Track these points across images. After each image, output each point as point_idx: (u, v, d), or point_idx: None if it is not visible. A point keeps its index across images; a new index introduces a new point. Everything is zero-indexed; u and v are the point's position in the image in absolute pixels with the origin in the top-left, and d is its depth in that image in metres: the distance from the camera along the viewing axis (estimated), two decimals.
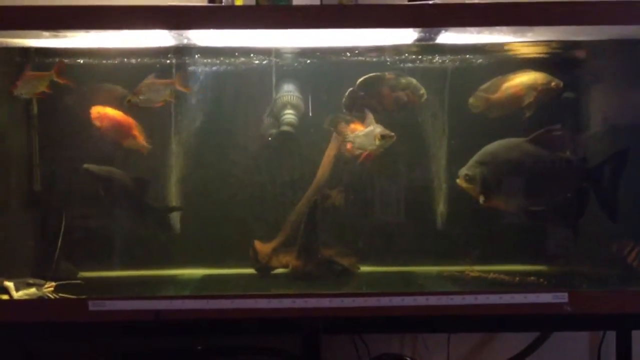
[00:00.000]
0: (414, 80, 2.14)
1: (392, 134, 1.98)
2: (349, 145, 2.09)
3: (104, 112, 2.10)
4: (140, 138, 2.13)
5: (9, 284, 1.77)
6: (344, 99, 2.13)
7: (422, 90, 2.14)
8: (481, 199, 1.98)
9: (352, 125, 2.09)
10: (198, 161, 2.23)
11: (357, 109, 2.13)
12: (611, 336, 2.25)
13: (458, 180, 2.02)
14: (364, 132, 2.03)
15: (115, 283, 2.15)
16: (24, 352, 2.18)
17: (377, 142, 1.97)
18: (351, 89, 2.12)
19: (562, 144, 2.02)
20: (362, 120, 2.08)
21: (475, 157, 2.00)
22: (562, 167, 2.01)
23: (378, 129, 1.99)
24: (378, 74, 2.12)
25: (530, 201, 2.02)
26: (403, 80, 2.14)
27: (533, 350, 2.31)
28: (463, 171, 2.01)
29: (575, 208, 2.01)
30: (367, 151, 2.03)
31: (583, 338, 2.40)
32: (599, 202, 1.98)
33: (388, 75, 2.13)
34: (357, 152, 2.06)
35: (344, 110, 2.14)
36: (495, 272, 2.08)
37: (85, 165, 2.08)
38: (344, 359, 2.30)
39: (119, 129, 2.12)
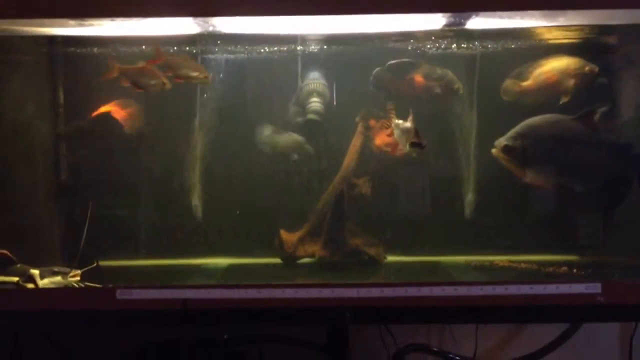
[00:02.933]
0: (449, 73, 2.10)
1: (424, 144, 1.85)
2: (379, 139, 2.06)
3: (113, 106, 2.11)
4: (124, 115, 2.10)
5: (35, 272, 1.78)
6: (371, 78, 2.11)
7: (457, 85, 2.10)
8: (528, 176, 1.90)
9: (383, 121, 2.03)
10: (223, 151, 2.22)
11: (386, 90, 2.10)
12: None
13: (494, 151, 1.94)
14: (403, 127, 1.91)
15: (141, 272, 2.15)
16: (52, 340, 2.19)
17: (407, 147, 1.88)
18: (378, 68, 2.10)
19: (608, 125, 1.94)
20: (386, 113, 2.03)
21: (517, 129, 1.92)
22: (607, 150, 1.93)
23: (412, 134, 1.86)
24: (411, 60, 2.09)
25: (569, 181, 1.95)
26: (439, 71, 2.10)
27: (563, 342, 2.27)
28: (502, 142, 1.92)
29: (616, 193, 1.94)
30: (400, 148, 1.96)
31: (614, 328, 2.35)
32: None
33: (423, 63, 2.09)
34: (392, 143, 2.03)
35: (371, 88, 2.11)
36: (525, 262, 2.05)
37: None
38: (370, 348, 2.29)
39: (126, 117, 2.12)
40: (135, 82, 1.97)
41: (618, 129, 2.08)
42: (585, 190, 1.96)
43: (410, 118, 1.91)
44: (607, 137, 1.96)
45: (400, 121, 1.93)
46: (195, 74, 1.98)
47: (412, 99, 2.11)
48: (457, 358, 2.30)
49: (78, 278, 1.79)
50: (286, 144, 2.16)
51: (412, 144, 1.84)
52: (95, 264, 1.86)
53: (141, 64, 1.99)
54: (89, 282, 1.80)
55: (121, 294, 1.68)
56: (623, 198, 1.94)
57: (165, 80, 1.98)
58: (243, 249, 2.22)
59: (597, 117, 1.92)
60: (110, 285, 1.72)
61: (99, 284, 1.79)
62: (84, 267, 1.84)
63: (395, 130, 1.95)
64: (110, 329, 2.09)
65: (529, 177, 1.92)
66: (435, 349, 2.30)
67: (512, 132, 1.92)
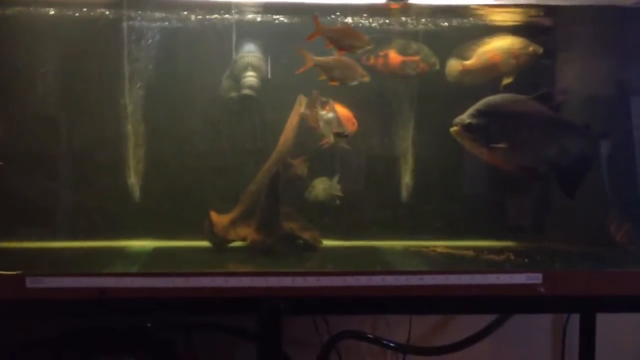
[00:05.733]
0: (425, 48, 2.03)
1: (346, 133, 1.88)
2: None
3: None
4: None
5: None
6: None
7: (434, 59, 2.03)
8: (491, 155, 1.81)
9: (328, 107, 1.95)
10: (152, 127, 2.08)
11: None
12: (575, 315, 2.22)
13: (453, 129, 1.82)
14: (325, 118, 1.90)
15: (58, 256, 1.99)
16: None
17: (332, 138, 1.89)
18: None
19: (565, 106, 1.90)
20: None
21: (477, 106, 1.81)
22: (568, 130, 1.88)
23: (334, 122, 1.88)
24: (385, 35, 2.02)
25: (530, 159, 1.87)
26: (414, 46, 2.03)
27: (495, 329, 2.26)
28: (464, 119, 1.79)
29: (576, 173, 1.89)
30: (327, 139, 1.93)
31: (546, 317, 2.36)
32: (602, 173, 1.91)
33: (397, 39, 2.03)
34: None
35: None
36: (464, 248, 2.01)
37: None
38: (303, 335, 2.23)
39: None
40: (337, 43, 1.85)
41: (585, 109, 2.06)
42: (547, 168, 1.91)
43: (329, 107, 1.90)
44: (566, 118, 1.90)
45: (324, 112, 1.89)
46: (358, 42, 1.86)
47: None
48: (392, 344, 2.27)
49: None
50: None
51: (336, 134, 1.86)
52: None
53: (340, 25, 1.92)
54: None
55: (31, 282, 1.52)
56: (583, 177, 1.90)
57: (369, 40, 1.87)
58: (170, 231, 2.09)
59: (554, 98, 1.87)
60: (19, 272, 1.56)
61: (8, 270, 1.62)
62: None
63: (320, 122, 1.92)
64: (20, 319, 1.92)
65: (492, 156, 1.84)
66: (369, 336, 2.26)
67: (472, 110, 1.81)
